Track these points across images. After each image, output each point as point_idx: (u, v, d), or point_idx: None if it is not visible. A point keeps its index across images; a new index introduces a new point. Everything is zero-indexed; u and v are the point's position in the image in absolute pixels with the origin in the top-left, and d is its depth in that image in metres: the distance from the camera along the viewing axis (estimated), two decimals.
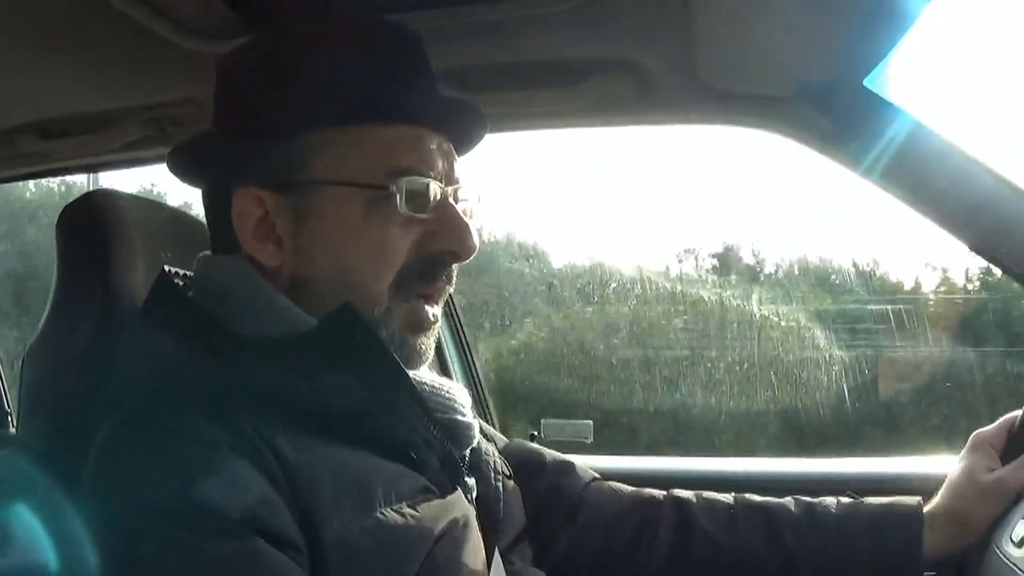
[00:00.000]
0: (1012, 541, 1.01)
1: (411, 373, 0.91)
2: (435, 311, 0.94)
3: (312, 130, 0.90)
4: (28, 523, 0.87)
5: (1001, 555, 1.01)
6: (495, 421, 1.98)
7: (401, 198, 0.88)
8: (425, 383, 0.94)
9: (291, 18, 1.00)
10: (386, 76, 0.91)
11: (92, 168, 1.57)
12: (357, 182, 0.89)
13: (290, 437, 0.79)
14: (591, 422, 1.93)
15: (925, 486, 1.17)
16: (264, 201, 0.91)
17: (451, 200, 0.93)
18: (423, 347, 0.94)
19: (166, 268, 1.00)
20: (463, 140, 1.00)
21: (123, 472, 0.77)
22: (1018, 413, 1.10)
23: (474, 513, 0.93)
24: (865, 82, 1.17)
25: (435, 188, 0.91)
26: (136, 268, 1.03)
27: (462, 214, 0.94)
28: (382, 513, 0.81)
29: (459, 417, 0.96)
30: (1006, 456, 1.09)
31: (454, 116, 0.96)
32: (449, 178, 0.94)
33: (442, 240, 0.92)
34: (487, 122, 1.01)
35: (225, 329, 0.88)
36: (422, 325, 0.93)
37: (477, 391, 1.96)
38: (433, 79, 0.96)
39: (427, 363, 0.97)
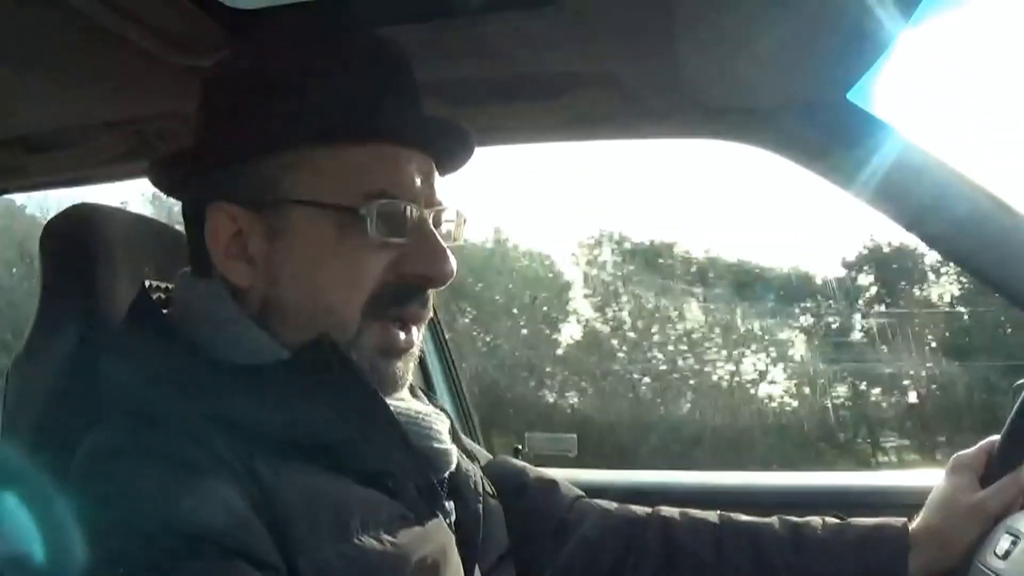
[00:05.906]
0: (996, 555, 1.01)
1: (388, 400, 0.90)
2: (410, 336, 0.92)
3: (288, 148, 0.88)
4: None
5: (985, 568, 1.02)
6: (479, 436, 1.96)
7: (372, 222, 0.86)
8: (401, 410, 0.92)
9: (274, 33, 1.00)
10: (363, 94, 0.89)
11: (77, 182, 1.57)
12: (330, 203, 0.87)
13: (267, 461, 0.79)
14: (575, 435, 1.91)
15: (911, 499, 1.18)
16: (237, 219, 0.89)
17: (429, 223, 0.92)
18: (398, 372, 0.92)
19: (146, 284, 0.99)
20: (447, 160, 0.97)
21: (102, 493, 0.76)
22: (997, 437, 1.12)
23: (453, 538, 0.92)
24: (849, 96, 1.18)
25: (411, 211, 0.89)
26: (120, 282, 1.02)
27: (440, 238, 0.92)
28: (359, 540, 0.80)
29: (436, 444, 0.94)
30: (985, 479, 1.11)
31: (435, 135, 0.94)
32: (429, 200, 0.92)
33: (416, 264, 0.90)
34: (473, 142, 0.99)
35: (201, 354, 0.87)
36: (395, 350, 0.91)
37: (461, 406, 1.95)
38: (415, 96, 0.95)
39: (404, 387, 0.96)
